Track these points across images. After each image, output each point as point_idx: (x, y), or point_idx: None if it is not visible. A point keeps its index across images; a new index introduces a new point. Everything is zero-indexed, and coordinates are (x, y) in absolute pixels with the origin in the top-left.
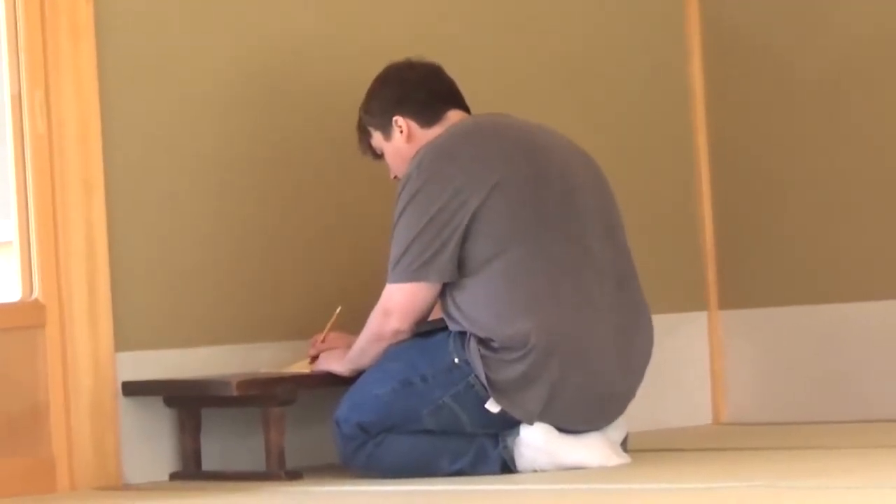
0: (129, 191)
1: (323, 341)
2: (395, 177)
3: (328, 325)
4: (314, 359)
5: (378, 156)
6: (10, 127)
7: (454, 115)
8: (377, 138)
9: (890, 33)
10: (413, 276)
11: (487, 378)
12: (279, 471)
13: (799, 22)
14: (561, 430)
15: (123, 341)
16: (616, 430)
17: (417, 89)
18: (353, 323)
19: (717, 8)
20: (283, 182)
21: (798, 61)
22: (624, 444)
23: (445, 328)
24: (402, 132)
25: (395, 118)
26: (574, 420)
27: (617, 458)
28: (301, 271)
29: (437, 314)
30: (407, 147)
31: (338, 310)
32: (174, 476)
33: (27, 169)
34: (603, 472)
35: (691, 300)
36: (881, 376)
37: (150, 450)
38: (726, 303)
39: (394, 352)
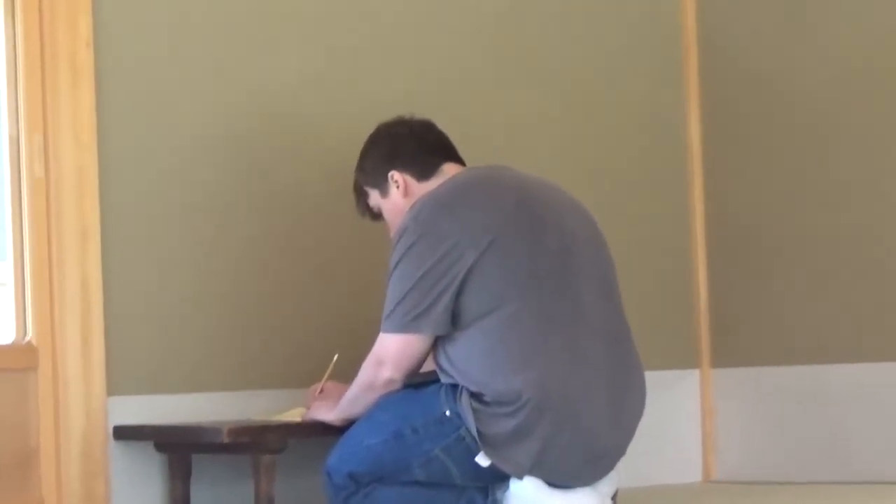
0: (124, 236)
1: (321, 391)
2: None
3: (326, 375)
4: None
5: (376, 216)
6: (8, 170)
7: (450, 168)
8: (374, 197)
9: (883, 88)
10: (407, 327)
11: (478, 431)
12: None
13: (795, 78)
14: (551, 484)
15: (115, 385)
16: (606, 484)
17: (409, 143)
18: (348, 371)
19: (715, 61)
20: (277, 229)
21: (795, 123)
22: (614, 499)
23: (437, 380)
24: (398, 187)
25: (390, 174)
26: (564, 475)
27: None
28: (295, 319)
29: (428, 366)
30: (404, 202)
31: (334, 358)
32: None
33: (24, 212)
34: None
35: (684, 358)
36: (872, 437)
37: (140, 495)
38: (719, 361)
39: (385, 402)
